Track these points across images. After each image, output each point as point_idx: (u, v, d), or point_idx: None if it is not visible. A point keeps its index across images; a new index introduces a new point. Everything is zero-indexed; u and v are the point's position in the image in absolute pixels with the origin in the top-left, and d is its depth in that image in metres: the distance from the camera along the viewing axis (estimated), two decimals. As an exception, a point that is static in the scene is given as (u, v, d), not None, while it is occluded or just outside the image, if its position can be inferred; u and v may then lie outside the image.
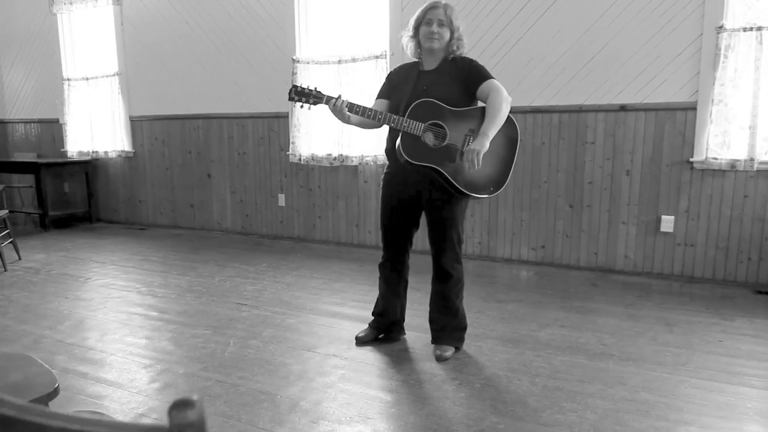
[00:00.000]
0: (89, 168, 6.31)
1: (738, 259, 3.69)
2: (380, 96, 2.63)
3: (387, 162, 2.65)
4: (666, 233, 3.85)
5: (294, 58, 4.91)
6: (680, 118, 3.72)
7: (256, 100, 5.25)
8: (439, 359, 2.57)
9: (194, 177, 5.75)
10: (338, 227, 5.05)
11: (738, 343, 2.76)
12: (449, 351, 2.61)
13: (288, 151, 5.10)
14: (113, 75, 6.00)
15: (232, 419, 2.07)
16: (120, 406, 2.17)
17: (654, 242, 3.89)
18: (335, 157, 4.86)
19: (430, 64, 2.52)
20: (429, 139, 2.40)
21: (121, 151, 6.09)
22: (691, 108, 3.67)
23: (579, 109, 3.98)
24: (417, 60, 2.58)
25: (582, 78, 3.93)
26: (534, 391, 2.27)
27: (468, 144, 2.37)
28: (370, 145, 4.71)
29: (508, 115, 2.41)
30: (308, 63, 4.88)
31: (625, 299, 3.45)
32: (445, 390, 2.29)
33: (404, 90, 2.51)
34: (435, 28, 2.42)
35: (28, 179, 6.79)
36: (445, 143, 2.39)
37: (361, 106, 2.44)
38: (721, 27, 3.50)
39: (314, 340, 2.85)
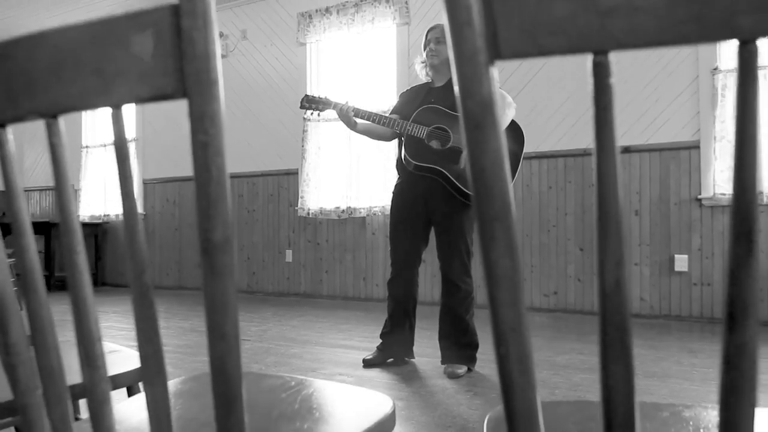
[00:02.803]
0: (99, 231, 6.37)
1: (758, 296, 3.55)
2: (392, 112, 2.71)
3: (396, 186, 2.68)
4: (681, 273, 3.75)
5: (305, 116, 5.10)
6: (684, 157, 3.77)
7: (267, 159, 5.39)
8: (452, 376, 2.43)
9: (202, 236, 5.76)
10: (345, 281, 4.97)
11: (769, 365, 2.60)
12: (461, 369, 2.47)
13: (297, 206, 5.15)
14: (131, 140, 6.22)
15: None
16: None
17: (669, 283, 3.79)
18: (343, 210, 4.89)
19: (439, 81, 2.62)
20: (433, 142, 2.45)
21: (132, 213, 6.16)
22: (694, 146, 3.73)
23: (584, 153, 4.05)
24: (429, 81, 2.69)
25: (585, 122, 4.04)
26: (554, 400, 2.12)
27: None
28: (377, 195, 4.76)
29: (514, 121, 2.45)
30: (318, 120, 5.06)
31: (645, 335, 3.30)
32: (459, 399, 2.15)
33: (413, 103, 2.59)
34: (433, 45, 2.55)
35: (38, 244, 6.83)
36: (448, 146, 2.43)
37: (366, 111, 2.51)
38: (715, 69, 3.64)
39: (319, 364, 2.71)
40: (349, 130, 2.66)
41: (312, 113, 2.65)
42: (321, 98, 2.62)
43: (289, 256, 5.25)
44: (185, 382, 0.95)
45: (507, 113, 2.39)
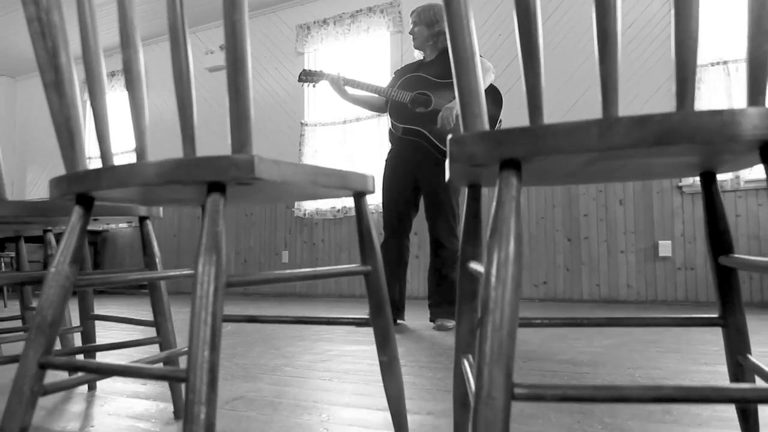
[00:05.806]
0: (98, 240, 6.46)
1: (740, 278, 3.67)
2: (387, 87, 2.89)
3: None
4: (665, 258, 3.87)
5: (302, 122, 5.30)
6: (665, 147, 3.94)
7: (265, 164, 5.54)
8: (441, 329, 2.52)
9: (200, 241, 5.86)
10: (341, 280, 5.06)
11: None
12: (450, 323, 2.57)
13: (293, 207, 5.29)
14: (132, 151, 6.40)
15: (224, 362, 2.02)
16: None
17: (654, 268, 3.90)
18: (339, 210, 5.03)
19: (429, 57, 2.81)
20: (416, 106, 2.62)
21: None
22: (673, 137, 3.90)
23: (569, 147, 4.22)
24: (422, 58, 2.88)
25: (569, 119, 4.23)
26: (540, 347, 2.21)
27: None
28: (371, 194, 4.90)
29: (493, 86, 2.63)
30: (315, 125, 5.26)
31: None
32: (447, 339, 2.24)
33: (404, 75, 2.77)
34: (411, 29, 2.77)
35: (37, 257, 6.90)
36: (430, 108, 2.60)
37: (356, 80, 2.68)
38: (690, 64, 3.85)
39: (313, 326, 2.80)
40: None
41: (308, 85, 2.83)
42: (316, 71, 2.80)
43: (285, 257, 5.35)
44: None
45: (485, 78, 2.56)
